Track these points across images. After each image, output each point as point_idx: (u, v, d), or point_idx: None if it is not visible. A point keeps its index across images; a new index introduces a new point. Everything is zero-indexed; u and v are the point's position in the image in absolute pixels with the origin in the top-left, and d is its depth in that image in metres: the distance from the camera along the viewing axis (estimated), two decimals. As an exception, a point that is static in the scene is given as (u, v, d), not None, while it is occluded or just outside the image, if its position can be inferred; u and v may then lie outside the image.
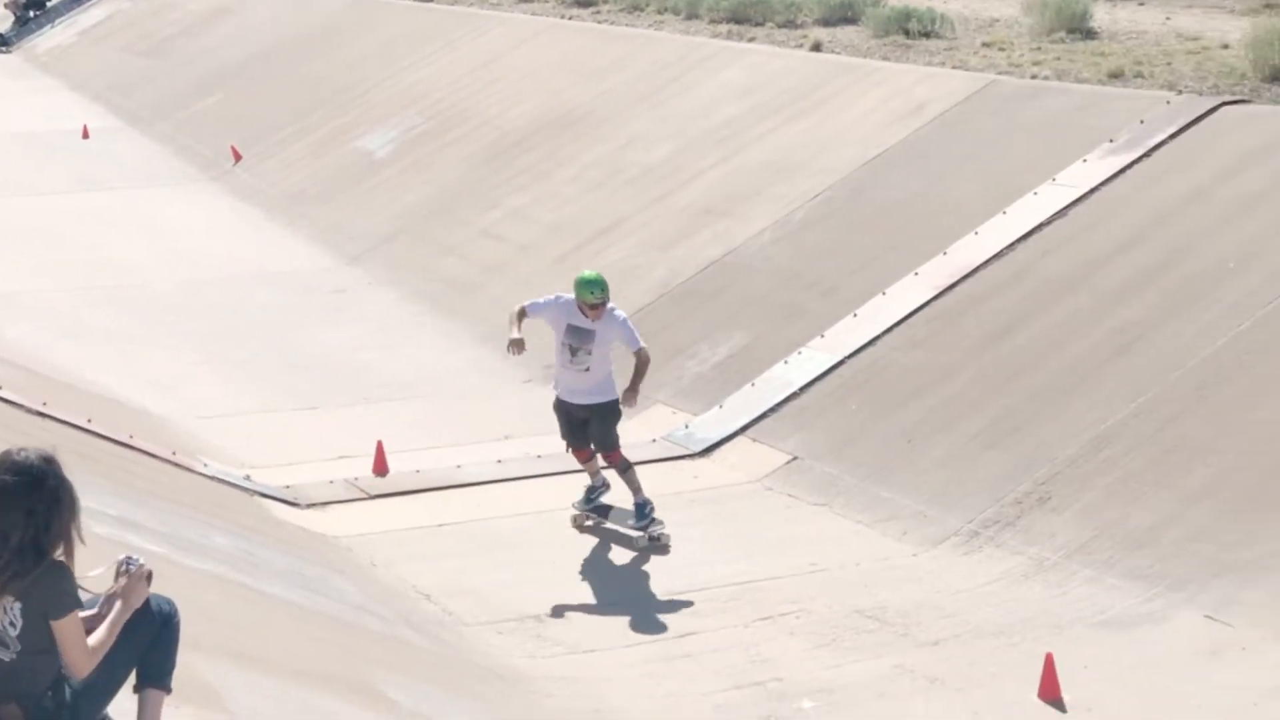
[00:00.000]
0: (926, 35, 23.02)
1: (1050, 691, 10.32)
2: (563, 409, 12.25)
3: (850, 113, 20.63)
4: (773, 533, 13.37)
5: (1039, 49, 21.05)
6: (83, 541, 5.92)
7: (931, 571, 12.45)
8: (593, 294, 11.97)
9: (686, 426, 15.79)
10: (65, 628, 5.75)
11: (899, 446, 14.23)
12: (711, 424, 15.69)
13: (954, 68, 20.71)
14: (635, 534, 12.08)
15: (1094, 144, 17.07)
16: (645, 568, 12.80)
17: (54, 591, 5.76)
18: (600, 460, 12.58)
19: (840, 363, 15.75)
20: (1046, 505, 12.74)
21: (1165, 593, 11.40)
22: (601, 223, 21.16)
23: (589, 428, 12.11)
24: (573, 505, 12.54)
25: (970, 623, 11.45)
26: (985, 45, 21.87)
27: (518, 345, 12.20)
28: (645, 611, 11.98)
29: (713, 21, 26.93)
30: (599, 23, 29.04)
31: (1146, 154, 16.45)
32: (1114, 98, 17.97)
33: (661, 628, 11.70)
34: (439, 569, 12.76)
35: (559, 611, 11.97)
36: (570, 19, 29.90)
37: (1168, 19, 21.64)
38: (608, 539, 13.40)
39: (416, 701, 9.08)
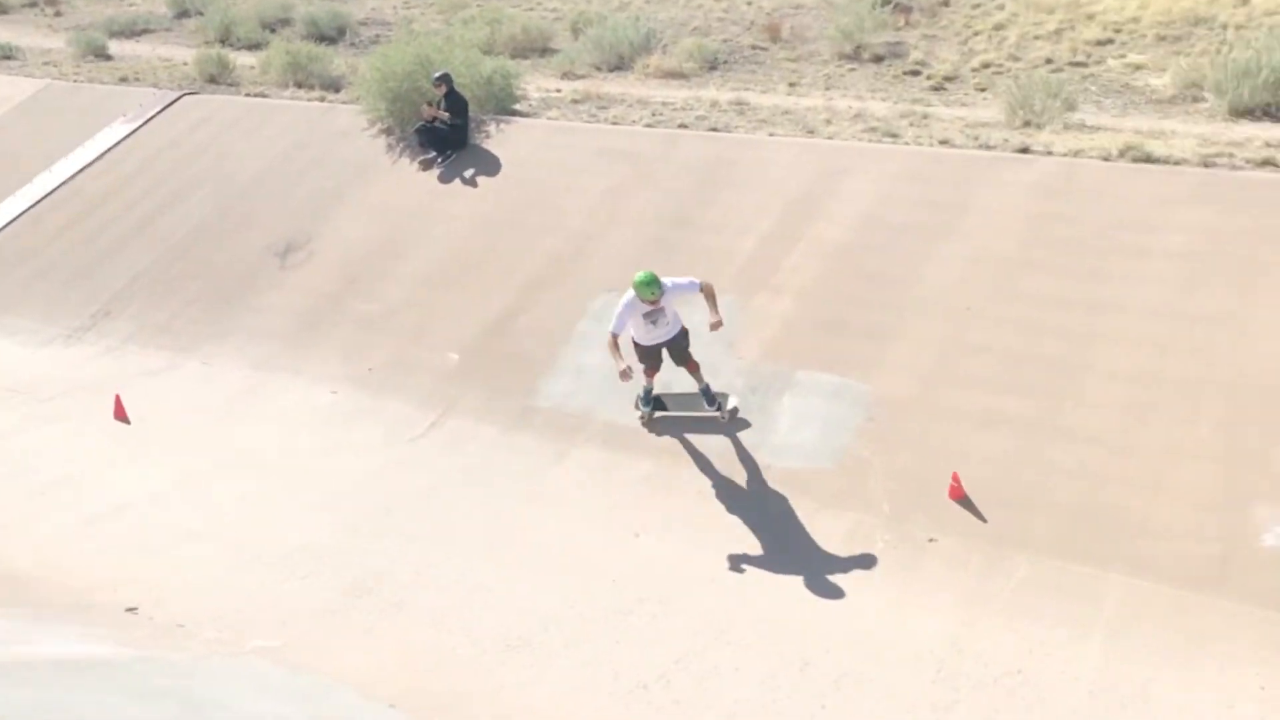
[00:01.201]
0: (8, 58, 19.66)
1: (120, 415, 9.74)
2: (644, 349, 8.46)
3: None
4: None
5: (79, 66, 18.62)
6: None
7: (48, 357, 11.22)
8: (650, 293, 8.03)
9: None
10: None
11: (18, 294, 12.56)
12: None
13: (26, 76, 17.92)
14: (714, 414, 8.66)
15: (115, 118, 15.57)
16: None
17: None
18: (653, 377, 8.70)
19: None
20: (109, 316, 11.83)
21: (179, 354, 11.12)
22: None
23: (670, 353, 8.51)
24: (637, 408, 8.81)
25: (74, 381, 10.49)
26: (45, 64, 19.03)
27: (626, 374, 7.96)
28: None
29: None
30: None
31: (145, 122, 15.24)
32: (124, 92, 16.34)
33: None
34: None
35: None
36: None
37: (159, 49, 19.76)
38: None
39: None
